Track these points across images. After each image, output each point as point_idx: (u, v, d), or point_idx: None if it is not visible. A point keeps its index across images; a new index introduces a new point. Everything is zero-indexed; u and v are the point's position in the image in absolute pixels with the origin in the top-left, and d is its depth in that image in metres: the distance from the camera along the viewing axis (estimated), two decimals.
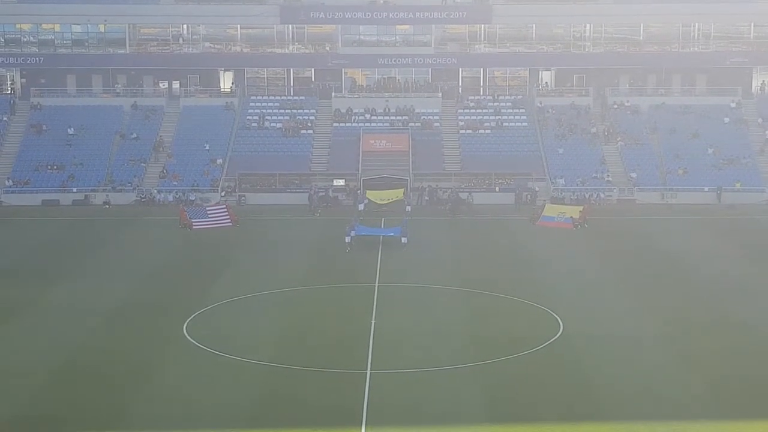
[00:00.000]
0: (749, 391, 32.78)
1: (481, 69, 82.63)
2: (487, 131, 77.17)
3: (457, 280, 48.26)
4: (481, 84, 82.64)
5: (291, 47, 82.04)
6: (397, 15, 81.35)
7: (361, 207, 64.12)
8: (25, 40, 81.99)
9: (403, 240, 53.14)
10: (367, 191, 66.82)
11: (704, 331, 39.90)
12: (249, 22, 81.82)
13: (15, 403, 32.14)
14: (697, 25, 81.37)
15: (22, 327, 41.14)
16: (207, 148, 74.99)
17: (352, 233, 53.62)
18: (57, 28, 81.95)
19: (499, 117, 78.24)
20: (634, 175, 72.17)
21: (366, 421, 30.24)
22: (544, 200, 67.04)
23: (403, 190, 66.55)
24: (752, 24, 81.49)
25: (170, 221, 62.53)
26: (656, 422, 30.20)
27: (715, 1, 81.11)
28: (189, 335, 39.15)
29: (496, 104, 79.96)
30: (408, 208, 64.43)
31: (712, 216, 65.03)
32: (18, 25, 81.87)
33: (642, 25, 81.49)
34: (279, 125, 77.61)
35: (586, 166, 73.18)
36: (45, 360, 36.57)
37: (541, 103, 79.47)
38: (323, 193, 69.50)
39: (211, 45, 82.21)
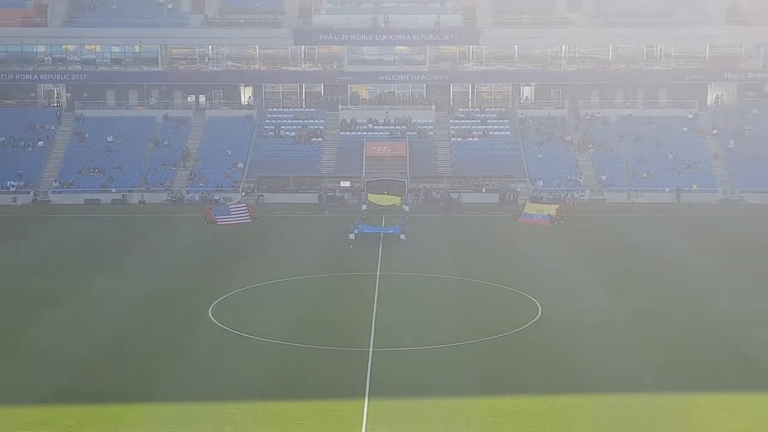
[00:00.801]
0: (705, 368, 33.18)
1: (470, 85, 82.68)
2: (474, 139, 77.05)
3: (449, 269, 48.24)
4: (470, 98, 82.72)
5: (303, 65, 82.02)
6: (396, 37, 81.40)
7: (364, 207, 63.77)
8: (71, 59, 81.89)
9: (402, 237, 52.86)
10: (370, 194, 66.49)
11: (668, 316, 39.92)
12: (266, 43, 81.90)
13: (62, 375, 32.65)
14: (658, 46, 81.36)
15: (69, 311, 41.15)
16: (229, 153, 74.93)
17: (356, 231, 53.10)
18: (98, 48, 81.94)
19: (486, 127, 78.16)
20: (603, 177, 72.27)
21: (369, 393, 30.45)
22: (525, 199, 67.06)
23: (400, 198, 65.89)
24: (707, 45, 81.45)
25: (197, 218, 62.41)
26: (625, 393, 30.60)
27: (674, 25, 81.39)
28: (214, 318, 39.26)
29: (482, 115, 79.99)
30: (406, 207, 64.01)
31: (673, 214, 65.24)
32: (64, 47, 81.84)
33: (610, 46, 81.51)
34: (292, 134, 77.49)
35: (561, 169, 73.10)
36: (88, 338, 36.91)
37: (522, 115, 79.60)
38: (331, 194, 69.47)
39: (233, 63, 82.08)
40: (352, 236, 52.48)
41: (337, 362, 33.62)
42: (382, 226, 56.84)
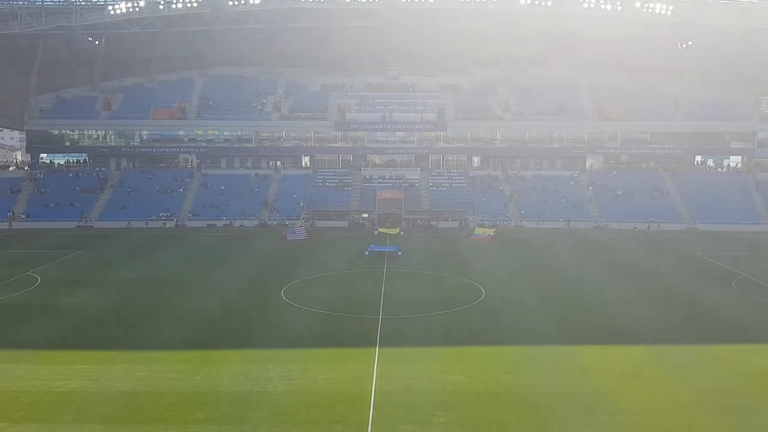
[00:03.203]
0: (584, 329, 33.14)
1: (441, 155, 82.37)
2: (444, 188, 77.19)
3: (428, 267, 48.18)
4: (441, 163, 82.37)
5: (340, 143, 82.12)
6: (396, 126, 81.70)
7: (375, 233, 63.42)
8: (199, 139, 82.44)
9: (399, 253, 51.75)
10: (380, 227, 65.43)
11: (562, 296, 39.82)
12: (317, 130, 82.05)
13: (191, 331, 32.88)
14: (556, 132, 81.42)
15: (197, 289, 41.46)
16: (294, 196, 75.15)
17: (369, 249, 51.93)
18: (216, 132, 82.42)
19: (451, 181, 78.46)
20: (522, 212, 72.25)
21: (379, 343, 30.47)
22: (475, 225, 67.01)
23: (399, 228, 64.96)
24: (585, 132, 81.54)
25: (274, 235, 62.59)
26: (535, 345, 30.59)
27: (565, 120, 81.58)
28: (284, 297, 39.13)
29: (448, 174, 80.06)
30: (402, 233, 63.75)
31: (564, 234, 64.83)
32: (195, 131, 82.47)
33: (526, 132, 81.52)
34: (333, 185, 77.82)
35: (497, 207, 73.32)
36: (208, 307, 37.12)
37: (472, 174, 79.66)
38: (356, 221, 69.72)
39: (297, 141, 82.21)
40: (366, 253, 51.27)
41: (359, 324, 33.52)
42: (387, 245, 56.09)
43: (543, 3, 72.09)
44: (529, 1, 71.94)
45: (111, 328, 33.37)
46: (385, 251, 51.89)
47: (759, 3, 72.71)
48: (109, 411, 23.93)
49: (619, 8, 72.28)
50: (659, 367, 27.94)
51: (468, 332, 32.36)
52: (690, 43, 79.67)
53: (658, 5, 71.51)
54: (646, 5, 71.88)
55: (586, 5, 72.27)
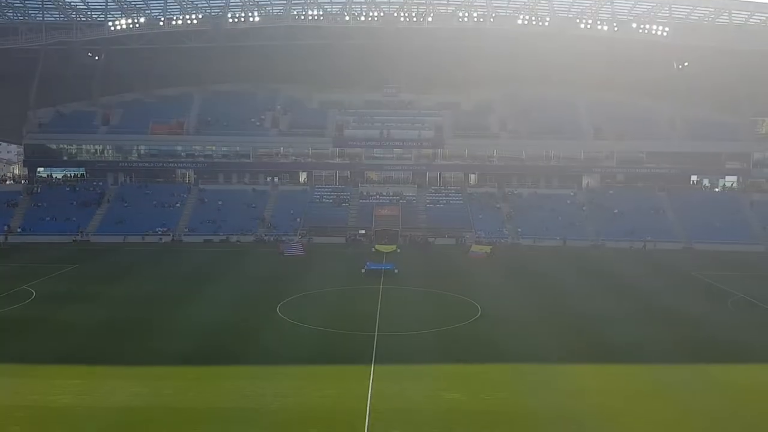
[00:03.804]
0: (585, 347, 33.07)
1: (438, 172, 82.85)
2: (441, 205, 77.49)
3: (424, 284, 47.86)
4: (438, 180, 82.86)
5: (337, 160, 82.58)
6: (393, 143, 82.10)
7: (372, 250, 63.31)
8: (197, 154, 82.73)
9: (395, 271, 51.11)
10: (376, 244, 65.11)
11: (558, 313, 39.79)
12: (315, 146, 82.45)
13: (186, 346, 32.66)
14: (552, 151, 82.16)
15: (192, 305, 41.14)
16: (292, 212, 75.24)
17: (366, 267, 51.40)
18: (214, 148, 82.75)
19: (448, 198, 78.86)
20: (519, 230, 72.54)
21: (374, 360, 30.25)
22: (472, 242, 67.18)
23: (396, 245, 64.68)
24: (582, 151, 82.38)
25: (271, 251, 62.60)
26: (528, 363, 30.55)
27: (562, 139, 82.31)
28: (280, 313, 38.86)
29: (446, 191, 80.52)
30: (398, 250, 63.41)
31: (560, 252, 65.00)
32: (193, 146, 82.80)
33: (523, 151, 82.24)
34: (330, 200, 78.12)
35: (494, 224, 73.57)
36: (202, 323, 36.97)
37: (470, 191, 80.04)
38: (353, 238, 70.00)
39: (295, 157, 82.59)
40: (363, 271, 50.62)
41: (354, 341, 33.35)
42: (383, 263, 56.01)
43: (540, 24, 72.93)
44: (526, 22, 72.78)
45: (106, 343, 33.28)
46: (381, 269, 51.79)
47: (754, 25, 73.61)
48: (103, 427, 23.84)
49: (616, 29, 73.13)
50: (654, 386, 27.87)
51: (464, 350, 32.30)
52: (686, 63, 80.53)
53: (654, 26, 72.36)
54: (642, 26, 72.75)
55: (583, 26, 73.13)
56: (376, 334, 34.41)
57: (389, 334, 34.55)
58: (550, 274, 52.81)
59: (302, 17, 74.15)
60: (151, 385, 27.29)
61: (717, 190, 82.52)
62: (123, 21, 73.97)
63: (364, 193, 78.62)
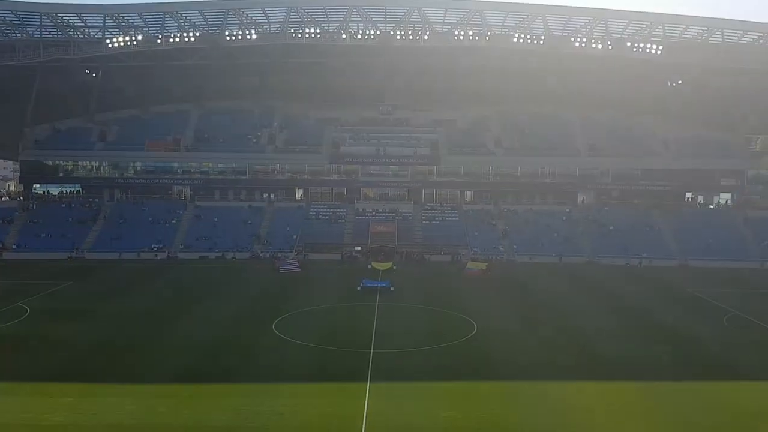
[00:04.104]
0: (580, 364, 33.00)
1: (434, 189, 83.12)
2: (437, 222, 77.63)
3: (420, 301, 47.82)
4: (434, 197, 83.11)
5: (333, 176, 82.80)
6: (390, 160, 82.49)
7: (369, 267, 62.41)
8: (193, 171, 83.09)
9: (391, 288, 50.44)
10: (373, 262, 64.18)
11: (555, 330, 39.82)
12: (312, 163, 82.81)
13: (181, 364, 32.58)
14: (548, 168, 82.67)
15: (188, 321, 41.18)
16: (288, 229, 75.28)
17: (362, 284, 51.00)
18: (210, 165, 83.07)
19: (443, 215, 78.98)
20: (515, 246, 72.59)
21: (370, 378, 30.01)
22: (467, 259, 66.95)
23: (392, 263, 63.47)
24: (577, 168, 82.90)
25: (267, 268, 62.30)
26: (522, 381, 30.38)
27: (557, 156, 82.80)
28: (275, 330, 38.73)
29: (441, 208, 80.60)
30: (395, 267, 62.51)
31: (556, 269, 65.01)
32: (189, 163, 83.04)
33: (519, 167, 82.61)
34: (327, 217, 78.14)
35: (489, 241, 73.69)
36: (197, 340, 36.86)
37: (465, 208, 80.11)
38: (349, 254, 69.91)
39: (291, 174, 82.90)
40: (359, 288, 50.27)
41: (350, 358, 33.28)
42: (379, 280, 55.63)
43: (535, 42, 73.65)
44: (521, 41, 73.52)
45: (100, 360, 33.10)
46: (377, 286, 51.49)
47: (747, 44, 74.46)
48: None
49: (610, 47, 73.88)
50: (649, 403, 27.81)
51: (460, 367, 32.23)
52: (680, 81, 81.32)
53: (648, 45, 73.15)
54: (636, 45, 73.53)
55: (577, 44, 73.86)
56: (372, 351, 34.26)
57: (385, 351, 34.39)
58: (546, 290, 52.80)
59: (299, 35, 74.72)
60: (145, 403, 27.09)
61: (711, 207, 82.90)
62: (121, 38, 74.32)
63: (360, 210, 78.54)
